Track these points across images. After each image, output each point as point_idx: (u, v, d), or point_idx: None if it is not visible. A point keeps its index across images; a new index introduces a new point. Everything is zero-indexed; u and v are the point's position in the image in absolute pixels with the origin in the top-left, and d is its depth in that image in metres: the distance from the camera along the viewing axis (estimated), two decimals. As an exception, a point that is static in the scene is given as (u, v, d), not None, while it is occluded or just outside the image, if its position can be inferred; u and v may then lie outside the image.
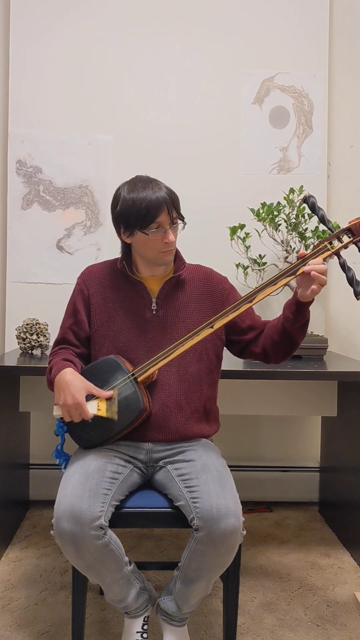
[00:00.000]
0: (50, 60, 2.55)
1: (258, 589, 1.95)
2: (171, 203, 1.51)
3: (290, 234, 2.34)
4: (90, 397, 1.47)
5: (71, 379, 1.46)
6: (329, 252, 1.46)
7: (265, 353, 1.62)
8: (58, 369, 1.51)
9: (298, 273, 1.46)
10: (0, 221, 2.62)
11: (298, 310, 1.52)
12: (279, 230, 2.37)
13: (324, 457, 2.62)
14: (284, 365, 2.02)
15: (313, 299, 1.50)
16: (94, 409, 1.45)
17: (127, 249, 1.62)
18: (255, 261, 2.40)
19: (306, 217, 2.33)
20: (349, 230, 1.46)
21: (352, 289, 1.44)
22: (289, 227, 2.34)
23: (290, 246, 2.36)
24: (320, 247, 1.47)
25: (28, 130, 2.55)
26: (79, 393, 1.44)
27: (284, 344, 1.58)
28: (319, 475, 2.67)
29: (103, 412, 1.46)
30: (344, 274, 1.45)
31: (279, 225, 2.36)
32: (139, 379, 1.49)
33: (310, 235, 2.34)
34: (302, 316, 1.53)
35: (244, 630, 1.71)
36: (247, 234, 2.37)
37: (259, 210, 2.36)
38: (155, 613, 1.54)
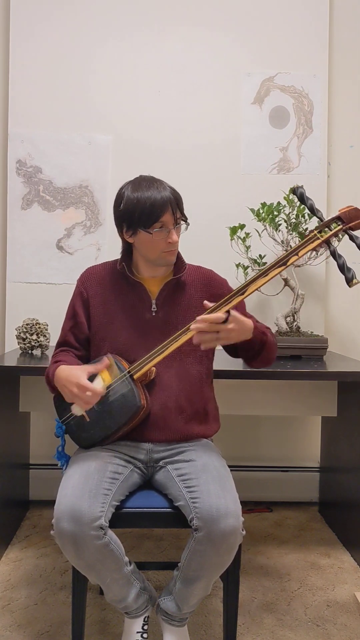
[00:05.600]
0: (50, 60, 2.55)
1: (258, 589, 1.95)
2: (175, 203, 1.51)
3: (290, 234, 2.34)
4: (92, 378, 1.47)
5: (66, 373, 1.47)
6: (319, 241, 1.45)
7: (245, 360, 1.65)
8: (52, 373, 1.52)
9: (289, 264, 1.45)
10: (0, 221, 2.62)
11: (243, 347, 1.54)
12: (279, 230, 2.37)
13: (324, 457, 2.62)
14: (284, 365, 2.02)
15: (253, 333, 1.48)
16: (100, 383, 1.46)
17: (128, 249, 1.62)
18: (255, 261, 2.40)
19: (306, 217, 2.33)
20: (338, 219, 1.46)
21: (344, 277, 1.44)
22: (289, 227, 2.35)
23: (290, 246, 2.36)
24: (310, 236, 1.46)
25: (28, 130, 2.55)
26: (79, 378, 1.43)
27: (256, 361, 1.61)
28: (319, 475, 2.67)
29: (108, 380, 1.47)
30: (336, 263, 1.45)
31: (279, 225, 2.36)
32: (135, 376, 1.49)
33: (309, 233, 2.34)
34: (250, 348, 1.54)
35: (244, 630, 1.71)
36: (247, 234, 2.37)
37: (259, 210, 2.36)
38: (155, 613, 1.54)
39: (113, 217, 1.59)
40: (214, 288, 1.64)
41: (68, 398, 1.47)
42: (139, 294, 1.60)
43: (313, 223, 2.37)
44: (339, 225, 1.46)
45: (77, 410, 1.48)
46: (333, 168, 2.65)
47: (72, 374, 1.45)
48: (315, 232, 1.46)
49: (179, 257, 1.64)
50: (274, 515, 2.57)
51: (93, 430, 1.52)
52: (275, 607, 1.84)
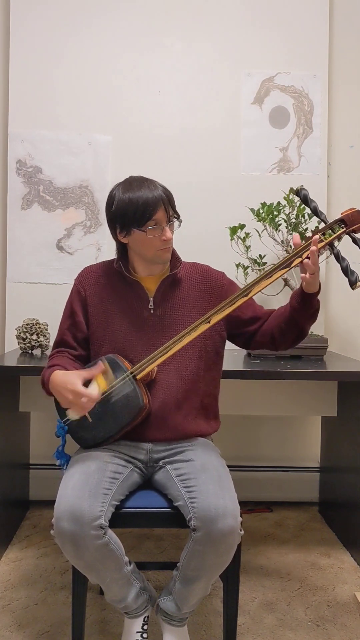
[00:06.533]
0: (50, 60, 2.55)
1: (258, 589, 1.95)
2: (167, 201, 1.52)
3: (291, 234, 2.34)
4: (88, 383, 1.47)
5: (62, 379, 1.46)
6: (323, 244, 1.45)
7: (273, 341, 1.61)
8: (48, 379, 1.51)
9: (292, 266, 1.45)
10: (0, 221, 2.62)
11: (303, 300, 1.51)
12: (279, 230, 2.37)
13: (324, 457, 2.62)
14: (284, 365, 2.02)
15: (318, 290, 1.49)
16: (95, 389, 1.46)
17: (123, 249, 1.62)
18: (255, 261, 2.40)
19: (306, 217, 2.33)
20: (341, 221, 1.46)
21: (347, 280, 1.44)
22: (289, 227, 2.35)
23: (290, 246, 2.36)
24: (314, 239, 1.46)
25: (28, 130, 2.55)
26: (74, 384, 1.43)
27: (292, 331, 1.58)
28: (319, 475, 2.67)
29: (104, 386, 1.47)
30: (339, 265, 1.45)
31: (279, 225, 2.36)
32: (138, 377, 1.49)
33: (311, 235, 2.34)
34: (308, 306, 1.52)
35: (244, 630, 1.71)
36: (247, 234, 2.37)
37: (259, 210, 2.36)
38: (155, 613, 1.54)
39: (106, 219, 1.59)
40: (211, 282, 1.64)
41: (64, 404, 1.47)
42: (137, 292, 1.60)
43: (313, 223, 2.37)
44: (341, 227, 1.46)
45: (72, 415, 1.47)
46: (333, 168, 2.65)
47: (67, 380, 1.44)
48: (319, 234, 1.46)
49: (174, 254, 1.64)
50: (274, 515, 2.57)
51: (95, 430, 1.52)
52: (275, 607, 1.84)
